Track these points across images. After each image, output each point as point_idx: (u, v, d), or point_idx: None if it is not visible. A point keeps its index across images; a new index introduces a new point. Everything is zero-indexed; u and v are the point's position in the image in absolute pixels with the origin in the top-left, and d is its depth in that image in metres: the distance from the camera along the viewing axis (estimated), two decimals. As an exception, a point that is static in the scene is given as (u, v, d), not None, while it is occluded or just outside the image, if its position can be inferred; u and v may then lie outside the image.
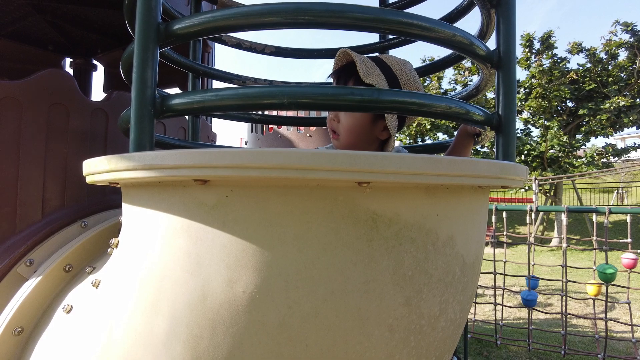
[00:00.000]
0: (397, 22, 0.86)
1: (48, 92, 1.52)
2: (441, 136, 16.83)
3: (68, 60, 3.25)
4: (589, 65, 14.94)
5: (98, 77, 3.45)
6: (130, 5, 1.01)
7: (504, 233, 4.69)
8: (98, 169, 0.80)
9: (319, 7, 0.82)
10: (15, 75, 3.15)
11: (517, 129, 16.42)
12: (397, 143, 1.85)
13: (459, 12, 1.35)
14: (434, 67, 1.50)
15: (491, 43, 1.06)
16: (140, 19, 0.78)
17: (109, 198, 1.66)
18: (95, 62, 3.25)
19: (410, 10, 1.65)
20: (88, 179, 0.92)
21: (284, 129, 4.28)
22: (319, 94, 0.76)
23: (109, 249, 1.18)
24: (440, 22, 0.91)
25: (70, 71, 3.19)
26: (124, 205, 0.97)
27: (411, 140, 17.09)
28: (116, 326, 0.87)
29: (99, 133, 1.64)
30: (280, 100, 0.73)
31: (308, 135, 4.04)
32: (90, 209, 1.58)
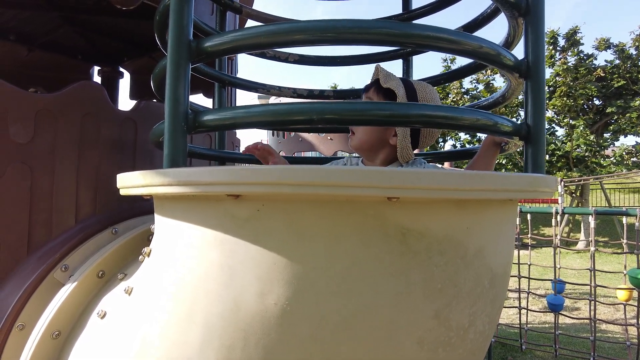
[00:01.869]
0: (424, 37, 0.87)
1: (80, 103, 1.57)
2: (463, 136, 16.59)
3: (96, 68, 3.35)
4: (617, 61, 14.45)
5: (124, 84, 3.54)
6: (160, 22, 1.04)
7: (529, 235, 4.59)
8: (133, 184, 0.83)
9: (346, 25, 0.84)
10: (47, 84, 3.27)
11: (541, 128, 15.97)
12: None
13: (484, 19, 1.34)
14: (458, 74, 1.49)
15: (518, 51, 1.05)
16: (172, 37, 0.80)
17: (138, 205, 1.70)
18: (121, 69, 3.34)
19: (434, 16, 1.64)
20: (122, 192, 0.96)
21: (304, 133, 4.31)
22: (347, 109, 0.77)
23: (140, 257, 1.21)
24: (467, 35, 0.91)
25: (98, 79, 3.29)
26: (156, 216, 1.01)
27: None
28: (149, 334, 0.90)
29: (128, 142, 1.69)
30: (310, 116, 0.75)
31: (329, 138, 4.06)
32: (120, 215, 1.62)
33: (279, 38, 0.83)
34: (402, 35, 0.87)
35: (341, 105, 0.82)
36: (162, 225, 0.94)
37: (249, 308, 0.75)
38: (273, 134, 4.65)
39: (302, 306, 0.73)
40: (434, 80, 1.63)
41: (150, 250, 1.04)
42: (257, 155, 1.34)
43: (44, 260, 1.43)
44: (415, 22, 1.70)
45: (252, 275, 0.75)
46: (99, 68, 3.32)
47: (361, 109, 0.83)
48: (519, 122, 0.96)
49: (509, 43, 1.15)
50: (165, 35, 1.11)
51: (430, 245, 0.78)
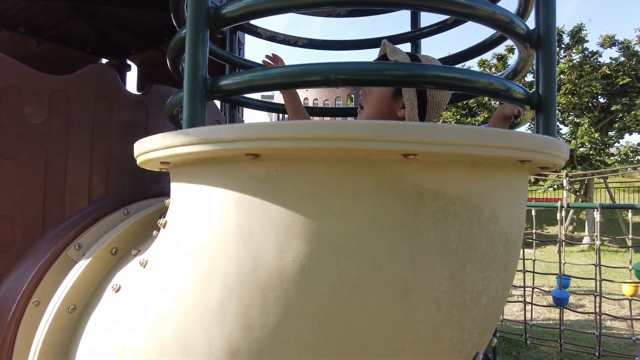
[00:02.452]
0: (455, 3, 0.87)
1: (93, 86, 1.59)
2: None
3: (104, 60, 3.37)
4: (622, 59, 14.39)
5: (131, 77, 3.57)
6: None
7: (533, 231, 4.58)
8: (152, 147, 0.84)
9: None
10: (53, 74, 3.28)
11: (544, 127, 15.92)
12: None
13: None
14: (472, 52, 1.50)
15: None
16: (192, 3, 0.82)
17: (148, 187, 1.72)
18: (129, 62, 3.36)
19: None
20: (140, 159, 0.97)
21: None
22: (365, 69, 0.78)
23: (154, 232, 1.23)
24: (481, 0, 0.92)
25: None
26: (172, 185, 1.02)
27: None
28: (168, 300, 0.91)
29: (139, 124, 1.71)
30: (327, 76, 0.76)
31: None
32: (132, 197, 1.64)
33: (294, 0, 0.85)
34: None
35: (358, 65, 0.83)
36: (180, 192, 0.95)
37: (267, 265, 0.76)
38: (278, 118, 4.68)
39: (321, 263, 0.75)
40: (446, 60, 1.65)
41: (166, 222, 1.05)
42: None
43: (58, 239, 1.45)
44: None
45: (270, 233, 0.76)
46: (107, 60, 3.34)
47: (378, 68, 0.85)
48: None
49: (519, 14, 1.16)
50: (179, 8, 1.12)
51: (446, 206, 0.79)
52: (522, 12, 1.15)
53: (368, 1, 0.84)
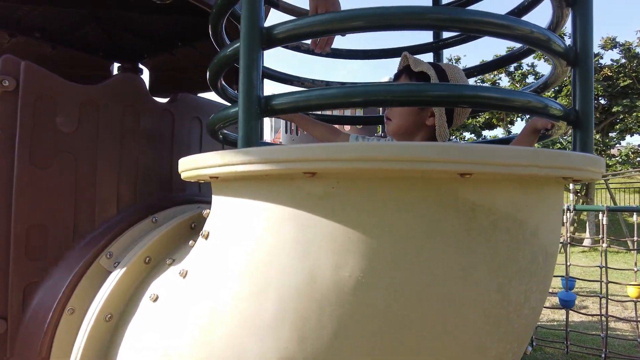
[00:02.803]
0: (476, 21, 0.90)
1: (122, 95, 1.61)
2: (468, 136, 16.64)
3: (116, 65, 3.38)
4: (623, 60, 14.48)
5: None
6: (218, 14, 1.08)
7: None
8: (209, 164, 0.86)
9: (399, 11, 0.88)
10: (68, 80, 3.30)
11: (545, 128, 16.01)
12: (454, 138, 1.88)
13: (525, 8, 1.38)
14: (498, 63, 1.53)
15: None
16: (246, 24, 0.84)
17: (174, 195, 1.74)
18: (141, 66, 3.38)
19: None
20: (188, 174, 0.99)
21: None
22: (407, 90, 0.82)
23: (190, 242, 1.25)
24: (518, 20, 0.95)
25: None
26: (217, 197, 1.04)
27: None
28: (217, 311, 0.94)
29: (165, 133, 1.73)
30: (384, 97, 0.79)
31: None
32: (159, 205, 1.66)
33: (340, 25, 0.88)
34: (455, 20, 0.91)
35: (402, 87, 0.85)
36: (227, 205, 0.97)
37: (324, 280, 0.78)
38: (286, 131, 4.69)
39: (376, 278, 0.77)
40: (470, 72, 1.67)
41: (208, 233, 1.07)
42: None
43: (90, 248, 1.47)
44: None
45: (327, 248, 0.78)
46: (119, 65, 3.35)
47: (419, 89, 0.87)
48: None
49: (551, 30, 1.19)
50: (217, 28, 1.14)
51: (496, 222, 0.82)
52: (554, 28, 1.18)
53: (408, 24, 0.86)
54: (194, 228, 1.51)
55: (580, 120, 1.00)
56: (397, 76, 1.39)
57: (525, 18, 1.40)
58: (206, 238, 1.08)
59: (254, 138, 0.83)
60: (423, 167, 0.70)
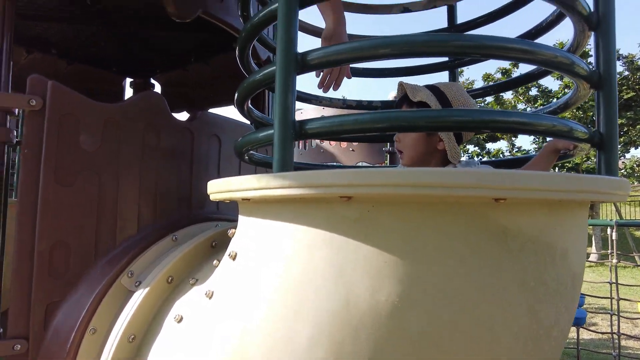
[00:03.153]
0: (499, 48, 0.92)
1: (143, 113, 1.64)
2: (471, 148, 16.69)
3: (128, 80, 3.43)
4: (626, 73, 14.58)
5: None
6: (246, 38, 1.10)
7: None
8: (244, 187, 0.88)
9: (424, 39, 0.91)
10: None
11: (549, 140, 16.05)
12: (463, 158, 1.90)
13: (545, 27, 1.40)
14: (516, 82, 1.55)
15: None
16: (281, 50, 0.86)
17: (194, 213, 1.76)
18: (153, 81, 3.42)
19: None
20: (219, 196, 1.01)
21: (326, 144, 4.38)
22: (426, 116, 0.84)
23: (214, 262, 1.26)
24: (542, 45, 0.97)
25: (130, 91, 3.38)
26: (246, 219, 1.05)
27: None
28: (249, 331, 0.94)
29: (185, 151, 1.75)
30: (414, 122, 0.80)
31: (351, 149, 4.12)
32: (179, 223, 1.68)
33: (369, 52, 0.90)
34: (479, 47, 0.93)
35: (421, 113, 0.88)
36: (256, 227, 0.99)
37: (359, 304, 0.79)
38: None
39: (412, 303, 0.78)
40: (479, 92, 1.69)
41: (236, 253, 1.08)
42: None
43: (112, 267, 1.48)
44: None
45: (362, 272, 0.79)
46: (131, 80, 3.40)
47: (436, 115, 0.89)
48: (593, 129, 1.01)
49: (572, 51, 1.21)
50: (244, 53, 1.17)
51: (525, 245, 0.83)
52: (574, 50, 1.20)
53: (432, 52, 0.88)
54: (215, 247, 1.52)
55: (605, 143, 1.01)
56: (397, 105, 1.42)
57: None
58: (234, 259, 1.09)
59: (289, 161, 0.85)
60: (460, 192, 0.72)
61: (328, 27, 1.32)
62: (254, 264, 0.98)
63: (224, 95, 3.12)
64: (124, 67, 3.23)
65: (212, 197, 1.06)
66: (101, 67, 3.16)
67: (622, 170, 14.58)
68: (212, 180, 1.03)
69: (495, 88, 1.65)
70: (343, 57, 0.91)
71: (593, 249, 12.77)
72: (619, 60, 14.67)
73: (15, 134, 1.55)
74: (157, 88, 3.45)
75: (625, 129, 14.25)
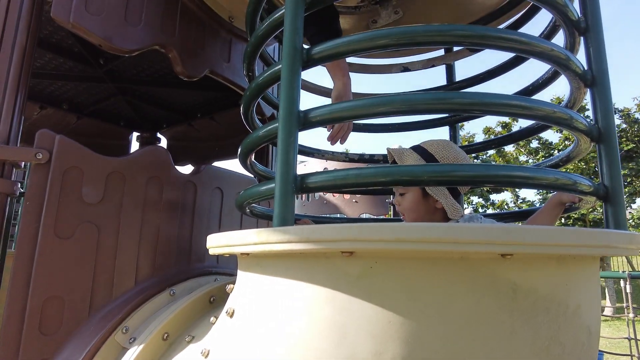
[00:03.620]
0: (499, 104, 0.94)
1: (147, 167, 1.65)
2: (475, 199, 16.67)
3: (135, 133, 3.51)
4: (624, 125, 14.88)
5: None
6: (250, 97, 1.13)
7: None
8: (244, 242, 0.86)
9: (424, 97, 0.93)
10: (90, 149, 3.41)
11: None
12: (468, 211, 1.89)
13: (542, 83, 1.44)
14: (517, 137, 1.57)
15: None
16: (284, 109, 0.88)
17: (193, 266, 1.72)
18: (159, 135, 3.50)
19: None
20: (217, 250, 0.99)
21: (329, 195, 4.38)
22: (429, 171, 0.84)
23: (212, 319, 1.21)
24: (540, 101, 0.98)
25: (137, 144, 3.44)
26: (244, 274, 1.02)
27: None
28: (244, 397, 0.88)
29: (187, 204, 1.75)
30: (419, 177, 0.80)
31: (354, 201, 4.11)
32: (177, 277, 1.64)
33: (368, 110, 0.92)
34: (478, 104, 0.95)
35: (424, 168, 0.88)
36: (255, 283, 0.96)
37: (363, 367, 0.75)
38: (297, 197, 4.74)
39: (419, 365, 0.73)
40: (480, 147, 1.72)
41: (234, 311, 1.04)
42: None
43: (106, 322, 1.43)
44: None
45: (366, 333, 0.75)
46: (138, 134, 3.48)
47: (442, 170, 0.89)
48: (597, 182, 1.01)
49: (569, 107, 1.23)
50: (250, 108, 1.20)
51: (537, 302, 0.79)
52: (571, 105, 1.22)
53: (431, 109, 0.90)
54: (213, 302, 1.48)
55: (610, 196, 1.00)
56: None
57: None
58: (231, 316, 1.05)
59: (290, 216, 0.83)
60: (465, 248, 0.70)
61: (337, 88, 1.38)
62: (252, 322, 0.94)
63: (229, 149, 3.18)
64: (131, 121, 3.32)
65: (211, 252, 1.04)
66: (109, 121, 3.25)
67: (630, 221, 14.42)
68: (212, 234, 1.01)
69: (496, 142, 1.66)
70: (344, 114, 0.93)
71: (607, 302, 12.31)
72: (615, 113, 15.00)
73: (19, 186, 1.56)
74: (164, 142, 3.52)
75: (629, 179, 14.30)
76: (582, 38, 1.10)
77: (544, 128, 1.45)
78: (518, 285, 0.77)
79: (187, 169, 1.89)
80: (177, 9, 1.79)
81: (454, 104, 0.95)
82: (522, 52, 0.99)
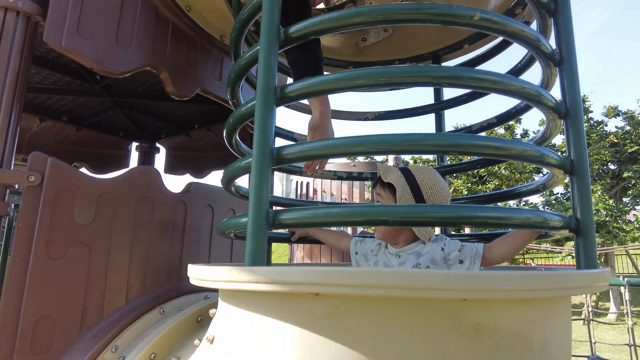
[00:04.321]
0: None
1: (138, 187, 1.68)
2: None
3: (134, 144, 3.56)
4: (628, 127, 14.78)
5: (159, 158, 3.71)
6: (233, 125, 1.16)
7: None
8: (213, 278, 0.89)
9: (399, 138, 0.94)
10: (89, 159, 3.45)
11: (558, 193, 15.98)
12: (437, 230, 1.90)
13: (517, 112, 1.46)
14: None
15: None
16: (257, 146, 0.91)
17: (183, 284, 1.75)
18: (158, 145, 3.54)
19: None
20: (195, 282, 1.02)
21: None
22: (406, 212, 0.85)
23: (196, 341, 1.24)
24: (514, 141, 0.99)
25: (136, 154, 3.49)
26: (223, 305, 1.05)
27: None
28: None
29: (178, 222, 1.78)
30: (384, 218, 0.82)
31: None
32: (167, 295, 1.67)
33: (342, 150, 0.94)
34: (455, 145, 0.96)
35: (400, 208, 0.90)
36: (231, 314, 0.98)
37: (328, 406, 0.77)
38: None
39: (381, 405, 0.75)
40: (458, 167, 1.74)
41: (214, 337, 1.07)
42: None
43: (95, 341, 1.47)
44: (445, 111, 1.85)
45: (331, 372, 0.78)
46: (137, 144, 3.52)
47: (418, 211, 0.91)
48: (568, 216, 1.02)
49: (545, 138, 1.25)
50: (233, 139, 1.23)
51: (501, 340, 0.81)
52: (547, 137, 1.24)
53: (408, 150, 0.92)
54: (200, 322, 1.51)
55: (582, 229, 1.01)
56: (373, 185, 1.48)
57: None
58: (211, 342, 1.07)
59: (260, 255, 0.86)
60: (424, 294, 0.72)
61: (314, 118, 1.39)
62: (227, 351, 0.97)
63: (227, 159, 3.20)
64: (130, 132, 3.36)
65: (192, 281, 1.06)
66: (108, 132, 3.29)
67: (635, 223, 14.31)
68: (191, 265, 1.04)
69: (481, 162, 1.68)
70: (316, 153, 0.95)
71: (612, 307, 12.22)
72: (619, 115, 14.94)
73: (12, 207, 1.60)
74: (163, 152, 3.56)
75: (633, 181, 14.19)
76: (557, 69, 1.11)
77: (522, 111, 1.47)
78: (481, 325, 0.79)
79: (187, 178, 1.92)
80: (168, 29, 1.82)
81: (431, 145, 0.95)
82: (496, 91, 1.00)
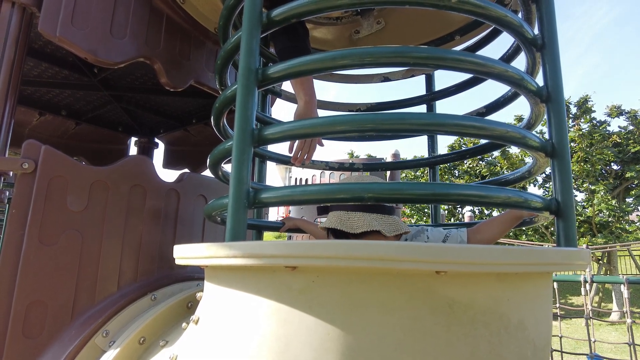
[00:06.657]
0: (454, 125, 0.96)
1: (130, 175, 1.71)
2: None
3: (133, 138, 3.58)
4: (631, 127, 14.69)
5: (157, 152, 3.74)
6: (218, 110, 1.18)
7: (557, 305, 4.41)
8: (195, 255, 0.90)
9: (375, 117, 0.95)
10: (88, 153, 3.48)
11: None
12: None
13: (504, 101, 1.46)
14: (475, 152, 1.60)
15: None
16: (238, 127, 0.92)
17: (175, 272, 1.77)
18: (157, 140, 3.57)
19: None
20: (179, 262, 1.03)
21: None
22: (387, 189, 0.86)
23: (183, 324, 1.26)
24: (493, 122, 1.00)
25: (135, 149, 3.52)
26: (207, 284, 1.07)
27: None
28: (200, 403, 0.92)
29: (170, 211, 1.80)
30: (359, 194, 0.84)
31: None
32: (159, 282, 1.69)
33: (323, 129, 0.95)
34: (435, 124, 0.97)
35: (377, 185, 0.91)
36: (214, 293, 1.00)
37: (303, 378, 0.78)
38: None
39: (355, 377, 0.76)
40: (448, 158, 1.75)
41: (199, 318, 1.09)
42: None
43: (87, 326, 1.48)
44: (438, 101, 1.86)
45: (307, 344, 0.79)
46: (136, 139, 3.55)
47: (399, 188, 0.92)
48: (548, 198, 1.03)
49: (530, 125, 1.26)
50: (220, 123, 1.24)
51: (475, 317, 0.82)
52: (533, 123, 1.24)
53: (389, 130, 0.93)
54: (190, 307, 1.52)
55: (562, 211, 1.02)
56: None
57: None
58: (196, 323, 1.09)
59: (240, 232, 0.87)
60: (397, 266, 0.73)
61: (299, 107, 1.39)
62: (211, 330, 0.98)
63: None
64: (129, 127, 3.39)
65: (176, 262, 1.08)
66: (107, 127, 3.32)
67: (637, 223, 14.21)
68: (177, 246, 1.05)
69: (470, 152, 1.70)
70: (297, 132, 0.97)
71: (614, 306, 12.14)
72: (622, 115, 14.85)
73: (7, 194, 1.63)
74: (161, 146, 3.59)
75: (637, 181, 14.08)
76: (540, 54, 1.12)
77: (498, 146, 1.48)
78: (455, 300, 0.80)
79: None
80: (162, 21, 1.84)
81: (411, 124, 0.97)
82: (479, 73, 1.01)
